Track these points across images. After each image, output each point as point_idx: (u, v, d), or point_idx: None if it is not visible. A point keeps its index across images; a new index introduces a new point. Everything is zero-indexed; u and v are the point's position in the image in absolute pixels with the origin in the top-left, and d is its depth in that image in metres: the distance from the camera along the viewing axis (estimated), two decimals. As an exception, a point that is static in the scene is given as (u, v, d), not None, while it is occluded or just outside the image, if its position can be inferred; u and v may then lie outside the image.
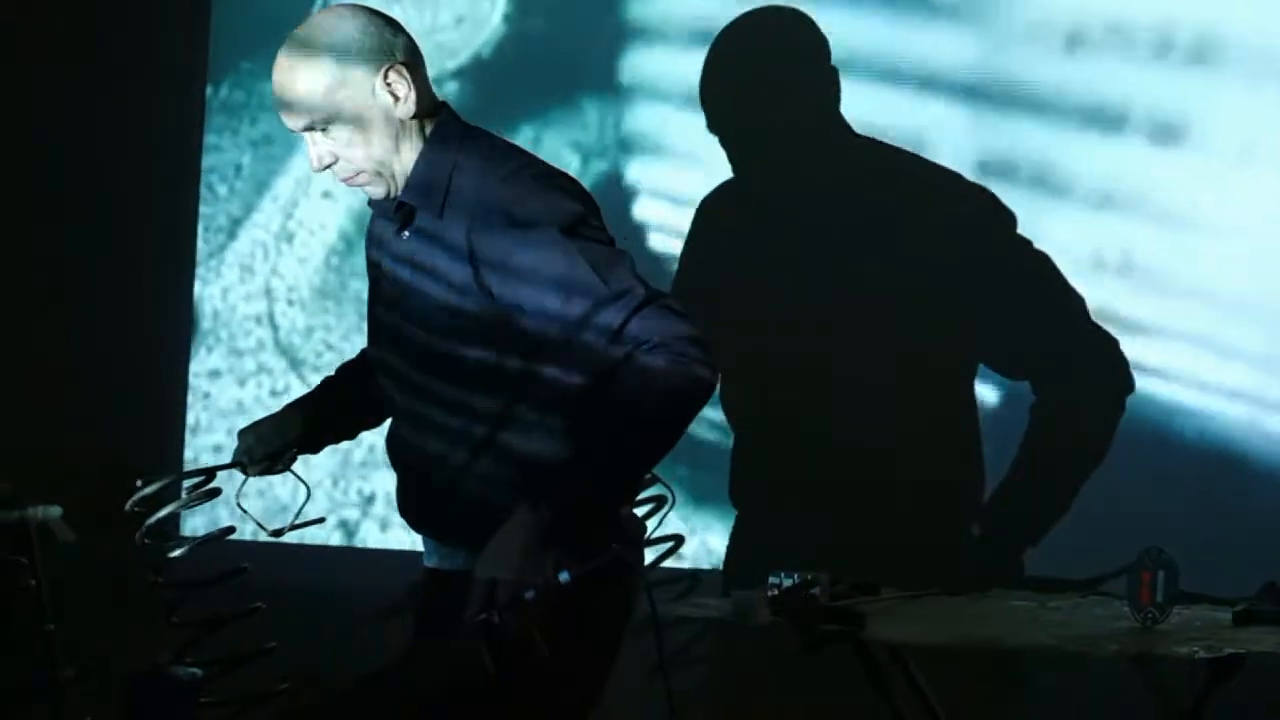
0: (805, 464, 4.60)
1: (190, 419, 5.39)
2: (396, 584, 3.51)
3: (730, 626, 3.41)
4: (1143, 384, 4.44)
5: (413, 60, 3.15)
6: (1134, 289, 4.51)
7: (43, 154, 5.37)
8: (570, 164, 5.10)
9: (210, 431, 5.35)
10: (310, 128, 3.13)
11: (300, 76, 3.11)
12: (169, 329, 5.38)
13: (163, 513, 3.31)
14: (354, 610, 4.49)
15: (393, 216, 3.19)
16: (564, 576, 2.93)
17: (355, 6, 3.20)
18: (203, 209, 5.41)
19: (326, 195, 5.29)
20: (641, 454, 3.02)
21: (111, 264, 5.37)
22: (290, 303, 5.34)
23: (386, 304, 3.22)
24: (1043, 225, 4.53)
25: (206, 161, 5.41)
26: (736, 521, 4.66)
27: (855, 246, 4.64)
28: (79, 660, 4.38)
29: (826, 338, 4.65)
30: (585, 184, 5.00)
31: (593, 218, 3.12)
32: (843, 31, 4.69)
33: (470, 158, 3.14)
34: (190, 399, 5.40)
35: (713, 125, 4.69)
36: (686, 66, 4.91)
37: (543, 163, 3.18)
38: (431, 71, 5.15)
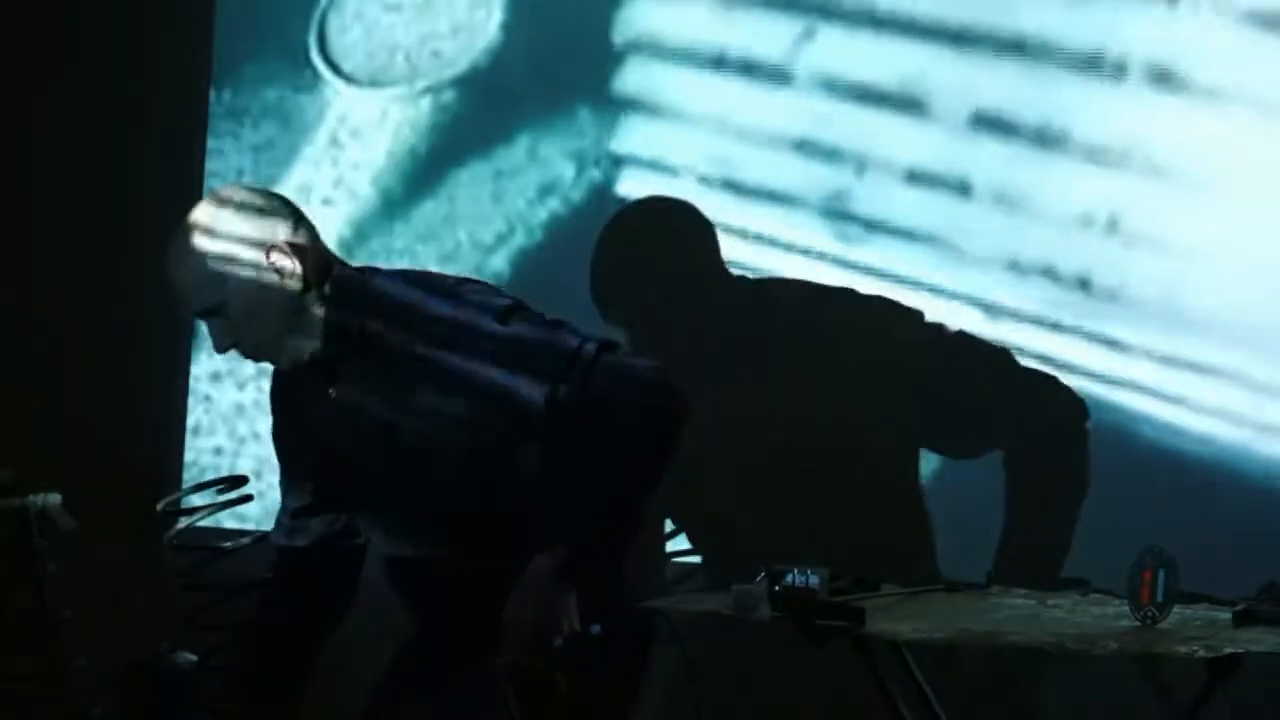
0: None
1: (191, 421, 5.40)
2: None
3: (729, 621, 3.41)
4: (1142, 382, 4.47)
5: (297, 236, 3.29)
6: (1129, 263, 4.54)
7: (45, 153, 5.38)
8: (565, 173, 5.12)
9: (211, 434, 5.36)
10: (206, 312, 3.26)
11: (186, 268, 3.27)
12: (171, 326, 5.40)
13: (196, 518, 3.37)
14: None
15: (314, 379, 3.28)
16: (596, 629, 2.99)
17: (236, 190, 3.39)
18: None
19: (326, 202, 5.30)
20: (642, 490, 3.21)
21: (113, 258, 5.38)
22: (290, 308, 5.33)
23: (344, 463, 3.31)
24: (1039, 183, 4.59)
25: (210, 166, 5.43)
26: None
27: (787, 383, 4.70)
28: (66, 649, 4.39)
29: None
30: (579, 193, 5.11)
31: (521, 308, 3.26)
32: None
33: (378, 295, 3.27)
34: (191, 401, 5.41)
35: (611, 318, 4.70)
36: (683, 78, 4.93)
37: (447, 275, 3.35)
38: (428, 81, 5.17)
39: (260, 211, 3.31)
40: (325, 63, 5.23)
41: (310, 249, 3.31)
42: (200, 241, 3.28)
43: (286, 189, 5.36)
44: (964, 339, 4.60)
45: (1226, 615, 3.40)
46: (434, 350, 3.20)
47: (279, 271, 3.26)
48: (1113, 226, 4.55)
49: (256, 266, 3.26)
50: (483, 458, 3.23)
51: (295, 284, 3.26)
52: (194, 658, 3.41)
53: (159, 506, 3.38)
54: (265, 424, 5.30)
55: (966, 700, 3.65)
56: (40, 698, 4.38)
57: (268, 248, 3.27)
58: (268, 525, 3.54)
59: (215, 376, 5.38)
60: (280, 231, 3.30)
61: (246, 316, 3.25)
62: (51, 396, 5.28)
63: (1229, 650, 3.16)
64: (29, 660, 4.37)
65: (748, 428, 4.65)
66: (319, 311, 3.27)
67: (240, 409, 5.33)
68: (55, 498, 4.31)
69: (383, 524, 3.36)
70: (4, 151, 5.39)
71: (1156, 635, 3.27)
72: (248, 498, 3.43)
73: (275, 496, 3.52)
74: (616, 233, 4.84)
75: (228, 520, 4.54)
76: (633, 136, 5.08)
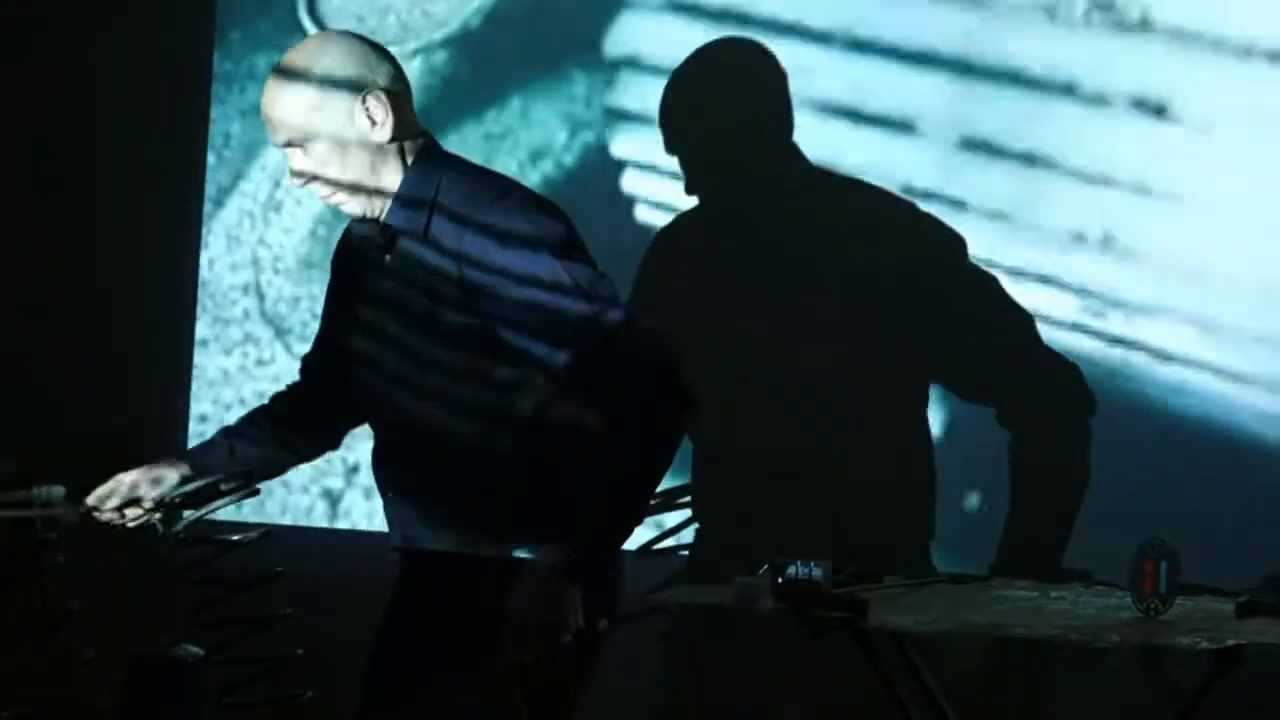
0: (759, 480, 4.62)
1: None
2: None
3: (731, 614, 3.40)
4: (1144, 370, 4.44)
5: (395, 87, 3.30)
6: (1127, 268, 4.52)
7: (44, 127, 5.36)
8: (558, 135, 5.08)
9: (197, 400, 5.35)
10: (290, 144, 3.28)
11: (283, 95, 3.27)
12: (171, 303, 5.39)
13: (203, 511, 3.37)
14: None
15: (376, 239, 3.28)
16: (604, 625, 2.99)
17: (344, 33, 3.41)
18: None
19: (315, 164, 5.27)
20: (645, 486, 3.16)
21: (117, 235, 5.35)
22: (277, 272, 5.32)
23: (370, 328, 3.31)
24: (1028, 204, 4.56)
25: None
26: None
27: (812, 272, 4.66)
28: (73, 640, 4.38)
29: (783, 357, 4.66)
30: (573, 155, 5.07)
31: (578, 241, 3.23)
32: (825, 7, 4.73)
33: (453, 180, 3.26)
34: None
35: (672, 147, 4.73)
36: (676, 38, 4.89)
37: (525, 186, 3.31)
38: (419, 42, 5.12)
39: (365, 56, 3.29)
40: (314, 24, 5.18)
41: (405, 106, 3.31)
42: (299, 73, 3.28)
43: (274, 152, 5.30)
44: (998, 287, 4.56)
45: (1229, 607, 3.39)
46: (477, 256, 3.17)
47: (370, 118, 3.25)
48: (1110, 242, 4.55)
49: (350, 109, 3.25)
50: (482, 374, 3.20)
51: (383, 135, 3.26)
52: (199, 650, 3.41)
53: (166, 498, 3.35)
54: (251, 389, 5.35)
55: (967, 693, 3.64)
56: (46, 690, 4.37)
57: (365, 93, 3.26)
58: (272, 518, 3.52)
59: (201, 342, 5.36)
60: (380, 79, 3.28)
61: (329, 155, 3.25)
62: (54, 389, 5.24)
63: (1232, 642, 3.15)
64: (34, 652, 4.35)
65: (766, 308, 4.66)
66: (398, 171, 3.27)
67: (226, 374, 5.31)
68: (59, 490, 4.31)
69: (376, 419, 3.34)
70: (3, 148, 5.36)
71: (1159, 627, 3.26)
72: (255, 492, 3.41)
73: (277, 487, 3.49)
74: (695, 62, 4.79)
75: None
76: (627, 99, 5.04)
